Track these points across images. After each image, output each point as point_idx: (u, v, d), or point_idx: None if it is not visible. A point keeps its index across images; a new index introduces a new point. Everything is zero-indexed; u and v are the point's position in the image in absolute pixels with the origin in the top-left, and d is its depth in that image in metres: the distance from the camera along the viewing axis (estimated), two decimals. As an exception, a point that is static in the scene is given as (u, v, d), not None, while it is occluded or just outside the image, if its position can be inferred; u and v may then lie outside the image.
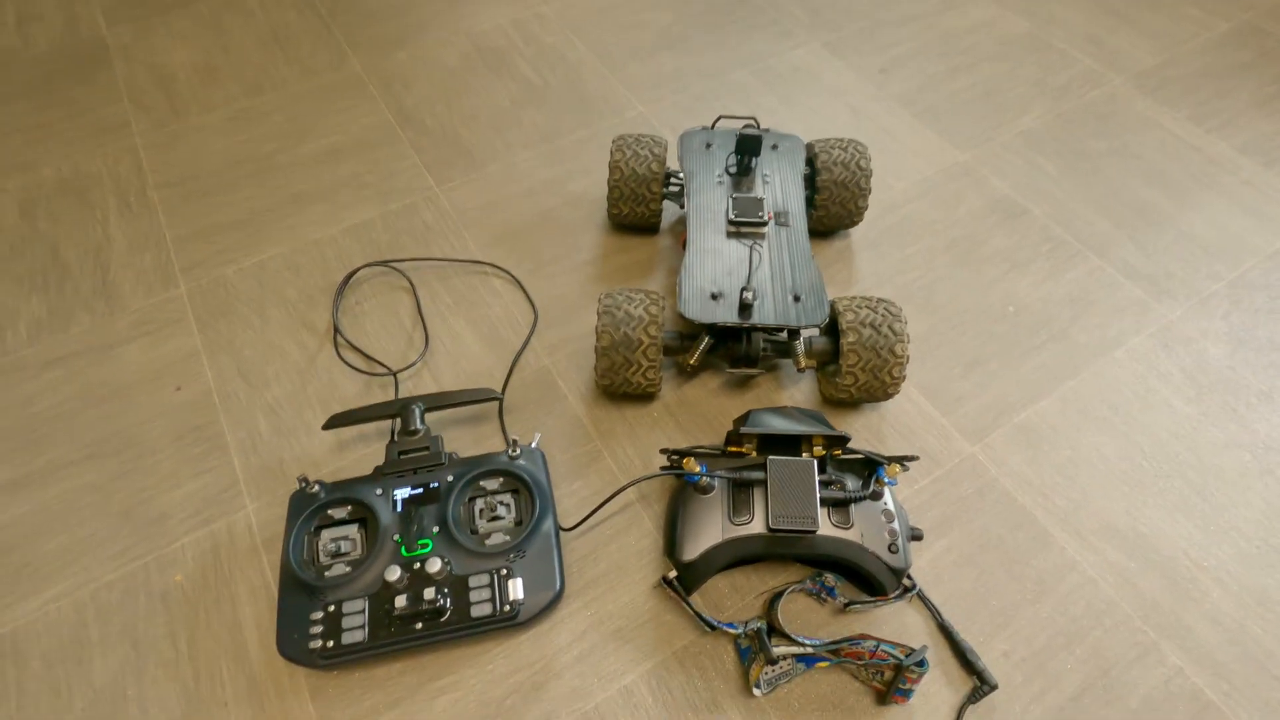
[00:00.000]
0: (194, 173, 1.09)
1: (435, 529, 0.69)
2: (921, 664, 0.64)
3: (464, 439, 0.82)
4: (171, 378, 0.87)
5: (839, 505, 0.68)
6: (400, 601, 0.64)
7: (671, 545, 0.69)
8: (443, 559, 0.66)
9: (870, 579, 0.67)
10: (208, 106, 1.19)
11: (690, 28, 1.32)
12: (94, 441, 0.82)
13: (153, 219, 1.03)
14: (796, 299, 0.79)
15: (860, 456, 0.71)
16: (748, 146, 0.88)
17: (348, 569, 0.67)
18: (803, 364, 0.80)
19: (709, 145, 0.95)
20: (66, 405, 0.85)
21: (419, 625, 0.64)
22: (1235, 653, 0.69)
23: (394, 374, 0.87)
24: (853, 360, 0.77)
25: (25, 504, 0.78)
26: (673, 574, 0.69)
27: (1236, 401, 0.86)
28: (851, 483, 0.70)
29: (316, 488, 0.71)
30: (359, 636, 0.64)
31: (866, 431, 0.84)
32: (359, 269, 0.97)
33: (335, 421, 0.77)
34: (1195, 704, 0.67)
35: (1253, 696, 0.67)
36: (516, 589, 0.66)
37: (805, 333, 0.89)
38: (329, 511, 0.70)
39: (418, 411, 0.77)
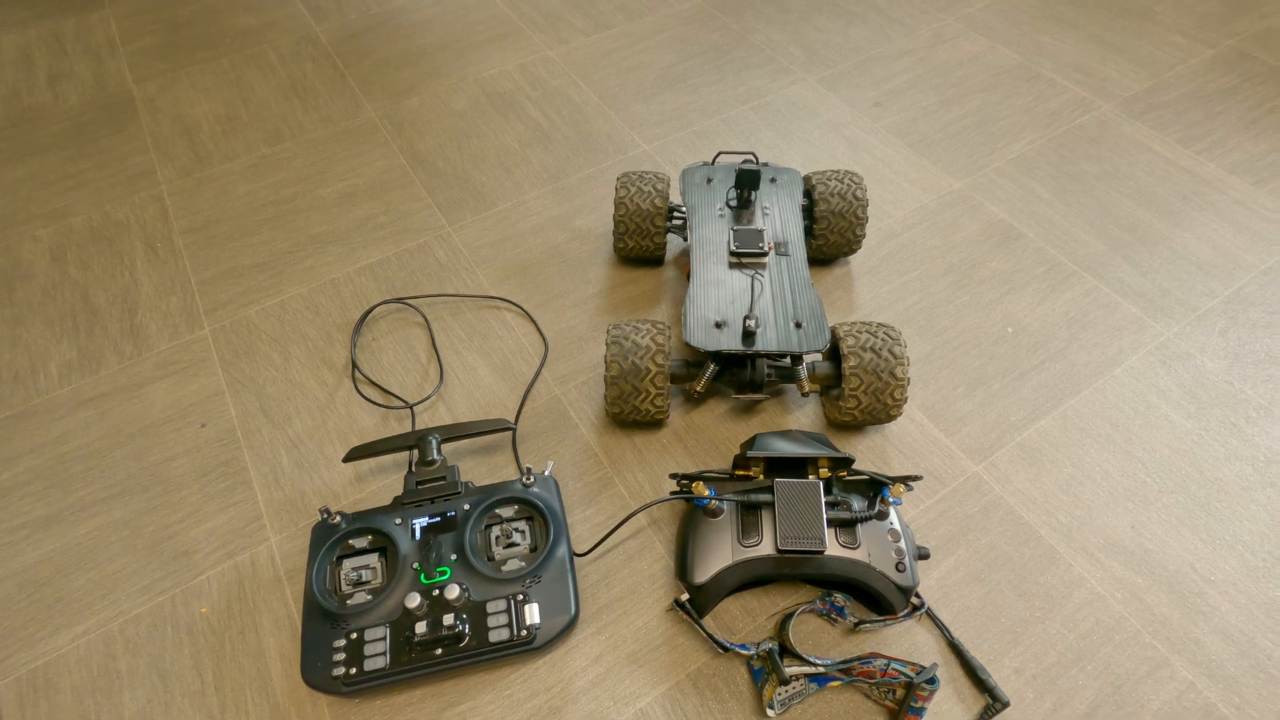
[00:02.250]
0: (217, 218, 1.14)
1: (453, 556, 0.71)
2: (932, 682, 0.65)
3: (479, 468, 0.85)
4: (197, 416, 0.91)
5: (845, 525, 0.69)
6: (420, 628, 0.66)
7: (683, 568, 0.70)
8: (461, 586, 0.68)
9: (879, 598, 0.68)
10: (230, 155, 1.24)
11: (690, 68, 1.37)
12: (123, 479, 0.85)
13: (178, 263, 1.08)
14: (798, 326, 0.82)
15: (865, 477, 0.73)
16: (747, 180, 0.92)
17: (369, 597, 0.69)
18: (806, 388, 0.82)
19: (710, 180, 0.99)
20: (96, 444, 0.88)
21: (439, 651, 0.66)
22: (1246, 666, 0.70)
23: (411, 407, 0.90)
24: (855, 384, 0.79)
25: (57, 540, 0.80)
26: (685, 596, 0.70)
27: (1236, 416, 0.87)
28: (857, 503, 0.72)
29: (338, 519, 0.74)
30: (381, 663, 0.65)
31: (871, 453, 0.85)
32: (375, 306, 1.01)
33: (355, 454, 0.80)
34: (1209, 718, 0.67)
35: (1265, 710, 0.67)
36: (533, 614, 0.68)
37: (808, 358, 0.91)
38: (350, 541, 0.73)
39: (434, 443, 0.79)
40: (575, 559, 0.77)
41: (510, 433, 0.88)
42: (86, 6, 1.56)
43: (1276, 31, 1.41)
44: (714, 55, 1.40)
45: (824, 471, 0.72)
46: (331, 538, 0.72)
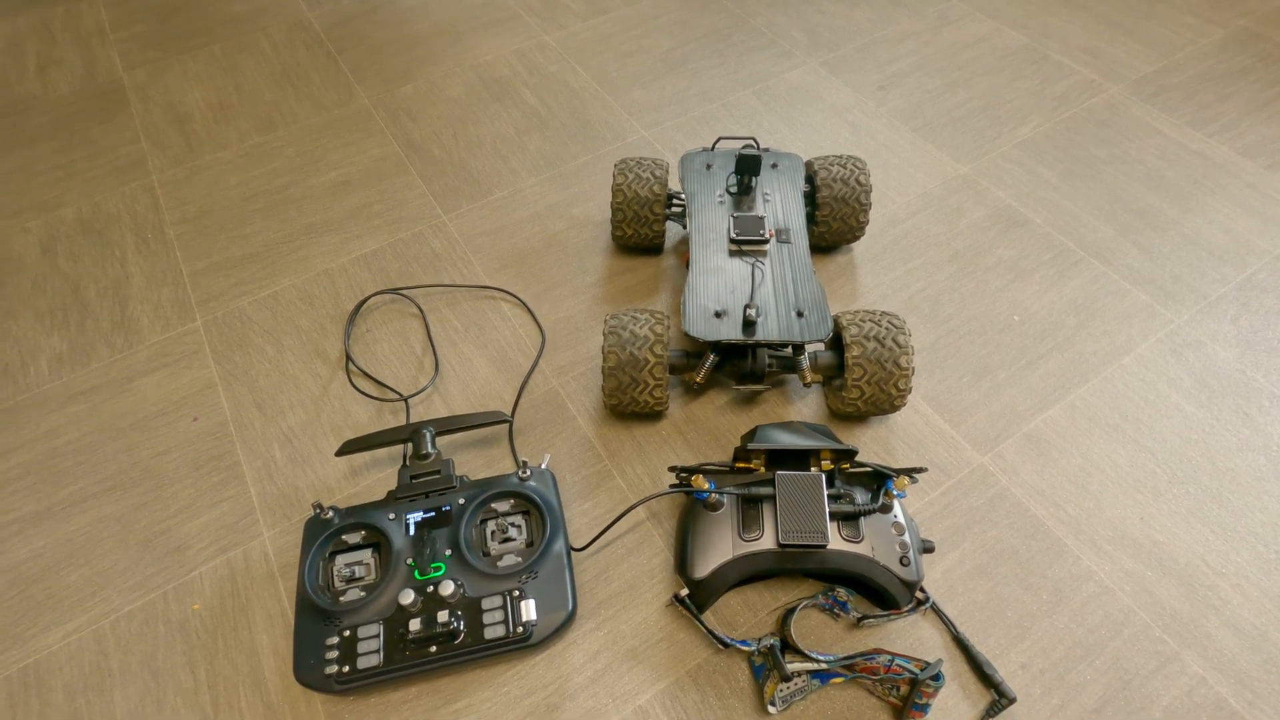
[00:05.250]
0: (209, 208, 1.12)
1: (448, 552, 0.70)
2: (937, 678, 0.64)
3: (475, 462, 0.83)
4: (189, 409, 0.89)
5: (849, 519, 0.68)
6: (414, 625, 0.65)
7: (682, 563, 0.69)
8: (456, 581, 0.67)
9: (882, 592, 0.67)
10: (222, 144, 1.22)
11: (690, 52, 1.35)
12: (114, 473, 0.84)
13: (170, 254, 1.06)
14: (800, 315, 0.80)
15: (869, 469, 0.71)
16: (747, 166, 0.90)
17: (363, 593, 0.68)
18: (808, 379, 0.80)
19: (709, 166, 0.96)
20: (87, 438, 0.87)
21: (433, 648, 0.65)
22: (1257, 660, 0.68)
23: (405, 399, 0.88)
24: (858, 374, 0.77)
25: (48, 536, 0.79)
26: (684, 592, 0.69)
27: (1248, 405, 0.85)
28: (860, 496, 0.70)
29: (331, 514, 0.72)
30: (374, 661, 0.64)
31: (875, 444, 0.84)
32: (370, 297, 0.99)
33: (348, 448, 0.79)
34: (1220, 713, 0.66)
35: (1277, 705, 0.66)
36: (529, 610, 0.67)
37: (810, 348, 0.90)
38: (343, 537, 0.71)
39: (429, 436, 0.78)
40: (573, 554, 0.75)
41: (506, 425, 0.86)
42: (76, -6, 1.54)
43: (1290, 11, 1.38)
44: (714, 39, 1.37)
45: (826, 464, 0.71)
46: (324, 533, 0.71)
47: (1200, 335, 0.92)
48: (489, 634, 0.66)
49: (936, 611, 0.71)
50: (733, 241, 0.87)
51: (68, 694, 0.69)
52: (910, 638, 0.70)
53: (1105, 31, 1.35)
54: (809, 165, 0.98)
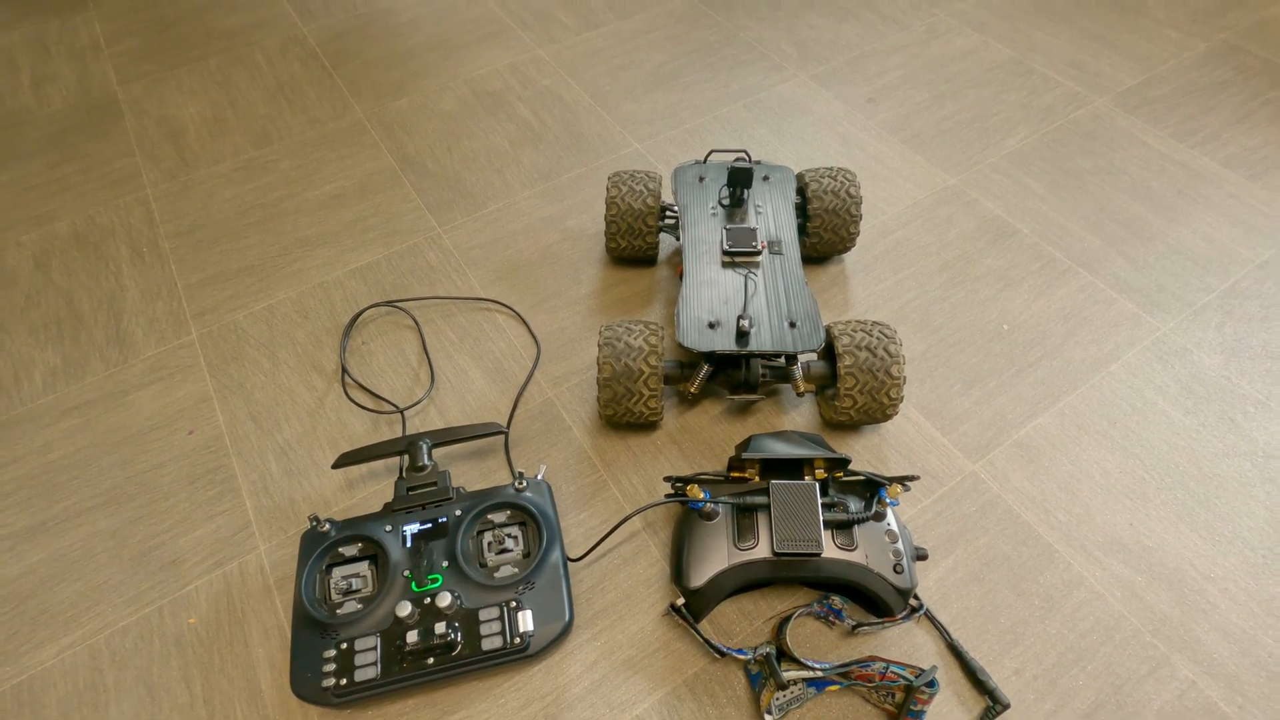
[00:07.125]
0: (204, 222, 1.12)
1: (445, 563, 0.70)
2: (932, 684, 0.64)
3: (471, 473, 0.83)
4: (184, 422, 0.89)
5: (842, 527, 0.68)
6: (412, 637, 0.65)
7: (678, 572, 0.69)
8: (453, 593, 0.67)
9: (876, 600, 0.67)
10: (217, 157, 1.22)
11: (682, 66, 1.36)
12: (109, 488, 0.84)
13: (164, 268, 1.06)
14: (792, 325, 0.81)
15: (862, 478, 0.72)
16: (739, 179, 0.91)
17: (359, 606, 0.68)
18: (801, 388, 0.81)
19: (702, 179, 0.98)
20: (82, 452, 0.87)
21: (431, 660, 0.65)
22: (1247, 664, 0.69)
23: (401, 411, 0.88)
24: (850, 383, 0.78)
25: (42, 551, 0.79)
26: (680, 601, 0.69)
27: (1234, 411, 0.87)
28: (854, 504, 0.71)
29: (327, 526, 0.72)
30: (372, 674, 0.64)
31: (867, 453, 0.85)
32: (365, 310, 0.99)
33: (344, 460, 0.79)
34: (1211, 717, 0.67)
35: (1266, 708, 0.67)
36: (526, 621, 0.67)
37: (803, 358, 0.90)
38: (340, 549, 0.71)
39: (425, 448, 0.78)
40: (569, 564, 0.76)
41: (502, 436, 0.86)
42: (71, 8, 1.54)
43: (1269, 24, 1.41)
44: (706, 53, 1.39)
45: (820, 473, 0.72)
46: (321, 546, 0.71)
47: (1185, 343, 0.94)
48: (486, 645, 0.66)
49: (930, 618, 0.72)
50: (725, 253, 0.88)
51: (62, 710, 0.69)
52: (905, 644, 0.71)
53: (1090, 45, 1.38)
54: (800, 177, 0.99)
